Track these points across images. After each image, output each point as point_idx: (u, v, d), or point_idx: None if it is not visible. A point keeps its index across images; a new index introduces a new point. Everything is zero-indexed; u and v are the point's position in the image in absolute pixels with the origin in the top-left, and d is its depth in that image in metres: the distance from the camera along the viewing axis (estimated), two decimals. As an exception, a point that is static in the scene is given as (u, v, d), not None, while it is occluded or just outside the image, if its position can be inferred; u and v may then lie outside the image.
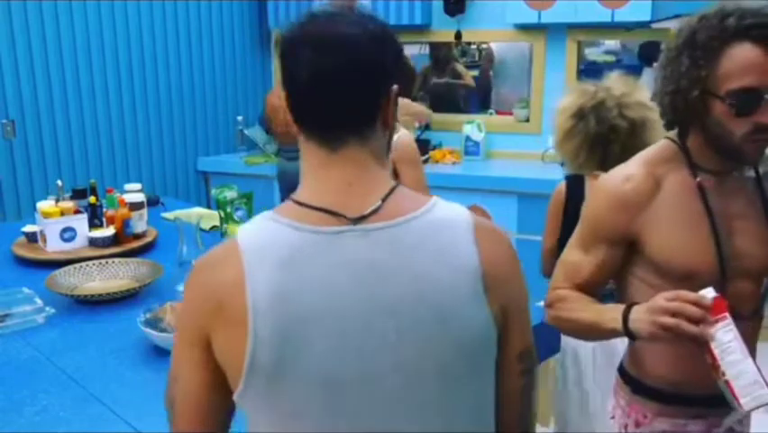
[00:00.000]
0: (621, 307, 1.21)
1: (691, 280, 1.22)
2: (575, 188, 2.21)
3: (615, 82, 2.11)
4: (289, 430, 0.86)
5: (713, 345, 1.10)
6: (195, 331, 0.86)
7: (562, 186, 2.35)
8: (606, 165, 1.97)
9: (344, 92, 0.85)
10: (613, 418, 1.43)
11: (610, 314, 1.22)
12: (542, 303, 1.48)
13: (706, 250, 1.23)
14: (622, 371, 1.43)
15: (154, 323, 1.72)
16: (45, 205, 2.55)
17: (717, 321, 1.10)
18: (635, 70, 4.40)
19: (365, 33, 0.86)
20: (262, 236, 0.85)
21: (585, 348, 2.13)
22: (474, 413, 0.94)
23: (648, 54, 4.55)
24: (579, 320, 1.30)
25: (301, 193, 0.89)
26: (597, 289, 1.36)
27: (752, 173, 1.31)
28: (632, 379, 1.39)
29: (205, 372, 0.87)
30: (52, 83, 4.05)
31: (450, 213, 0.90)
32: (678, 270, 1.25)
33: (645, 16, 3.73)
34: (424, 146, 4.48)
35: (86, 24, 4.15)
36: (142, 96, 4.49)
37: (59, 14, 4.02)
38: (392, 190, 0.89)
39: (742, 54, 1.14)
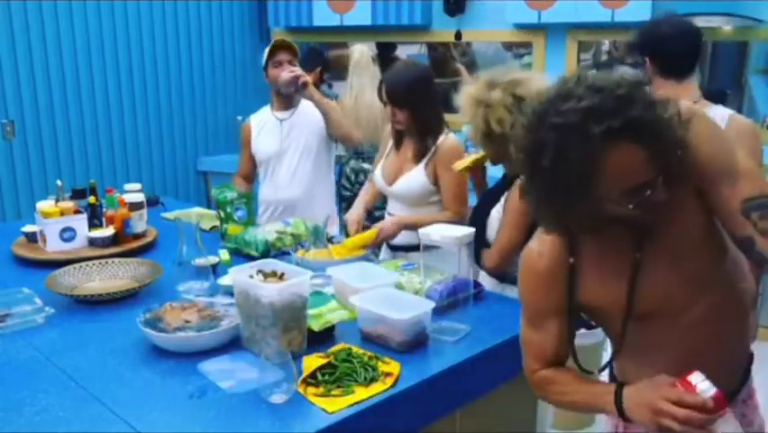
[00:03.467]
0: (612, 389, 1.24)
1: (601, 314, 1.33)
2: None
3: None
4: None
5: None
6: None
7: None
8: None
9: (683, 57, 2.15)
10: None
11: (603, 398, 1.26)
12: None
13: (618, 291, 1.24)
14: (611, 376, 1.45)
15: (154, 323, 1.72)
16: (45, 205, 2.55)
17: (719, 416, 1.10)
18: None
19: (690, 28, 2.17)
20: None
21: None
22: None
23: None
24: (573, 402, 1.35)
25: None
26: (568, 352, 1.37)
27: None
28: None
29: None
30: (52, 83, 4.05)
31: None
32: (589, 306, 1.31)
33: (645, 16, 3.73)
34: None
35: (86, 24, 4.16)
36: (142, 96, 4.50)
37: (59, 14, 4.02)
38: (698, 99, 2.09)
39: (623, 156, 1.06)
